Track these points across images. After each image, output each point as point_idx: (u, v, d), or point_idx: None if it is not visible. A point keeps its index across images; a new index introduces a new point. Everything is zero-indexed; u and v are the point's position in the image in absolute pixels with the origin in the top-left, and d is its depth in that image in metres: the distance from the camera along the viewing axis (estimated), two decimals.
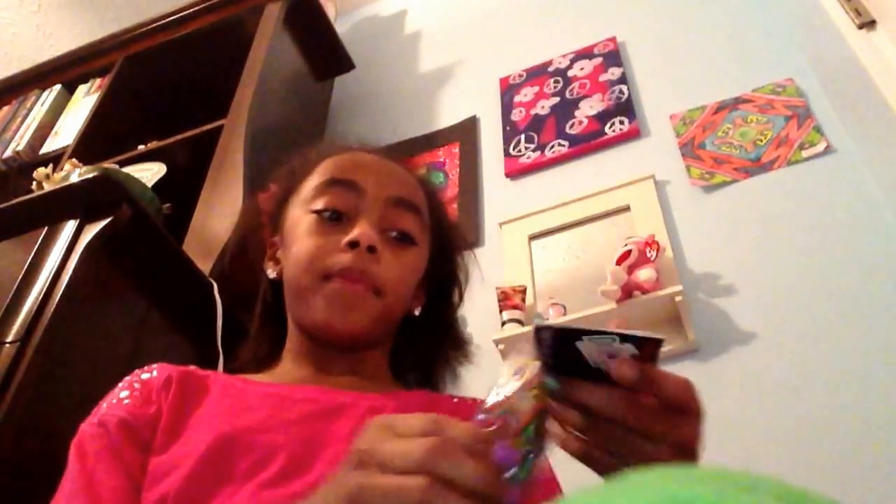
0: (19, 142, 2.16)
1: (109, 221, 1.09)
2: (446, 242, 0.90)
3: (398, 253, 0.79)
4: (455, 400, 0.80)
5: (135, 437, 0.68)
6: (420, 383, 0.89)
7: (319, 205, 0.80)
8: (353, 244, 0.75)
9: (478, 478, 0.40)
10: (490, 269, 1.48)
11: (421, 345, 0.88)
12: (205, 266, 1.29)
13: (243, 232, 0.95)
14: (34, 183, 1.57)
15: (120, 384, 0.74)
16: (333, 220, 0.79)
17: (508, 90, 2.07)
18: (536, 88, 2.02)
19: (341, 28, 2.44)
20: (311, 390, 0.74)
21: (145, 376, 0.75)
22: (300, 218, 0.81)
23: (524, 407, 0.46)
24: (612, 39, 2.03)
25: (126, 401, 0.71)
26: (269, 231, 0.88)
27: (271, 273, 0.84)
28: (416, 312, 0.85)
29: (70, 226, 1.09)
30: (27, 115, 2.25)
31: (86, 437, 0.68)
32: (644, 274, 1.36)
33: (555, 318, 1.43)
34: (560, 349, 0.48)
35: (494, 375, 0.49)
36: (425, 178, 0.93)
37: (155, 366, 0.77)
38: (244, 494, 0.61)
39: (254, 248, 0.90)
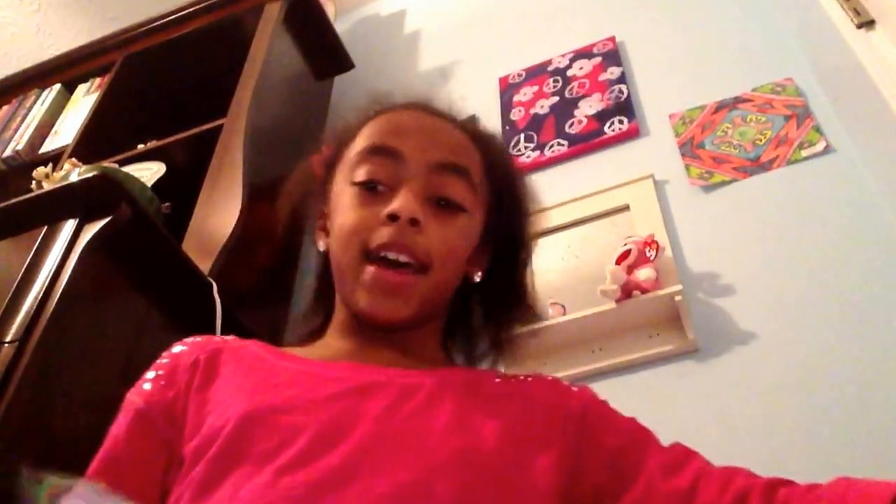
0: (19, 141, 2.16)
1: (109, 221, 1.08)
2: (511, 196, 0.84)
3: (445, 222, 0.75)
4: (498, 380, 0.75)
5: (146, 430, 0.68)
6: (469, 356, 0.85)
7: (359, 176, 0.76)
8: (394, 217, 0.71)
9: None
10: None
11: (485, 310, 0.84)
12: (204, 266, 1.29)
13: (296, 199, 0.88)
14: (33, 182, 1.58)
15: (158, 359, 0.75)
16: (374, 190, 0.75)
17: (507, 89, 2.07)
18: (535, 88, 2.02)
19: (341, 28, 2.44)
20: (344, 368, 0.71)
21: (177, 349, 0.75)
22: (343, 189, 0.78)
23: None
24: (612, 39, 2.02)
25: (146, 385, 0.71)
26: (319, 199, 0.84)
27: (321, 246, 0.81)
28: (477, 278, 0.80)
29: (69, 225, 1.09)
30: (27, 114, 2.25)
31: (120, 410, 0.70)
32: (643, 274, 1.36)
33: (554, 318, 1.43)
34: None
35: None
36: (480, 131, 0.86)
37: (189, 340, 0.76)
38: (261, 480, 0.59)
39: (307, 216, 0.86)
